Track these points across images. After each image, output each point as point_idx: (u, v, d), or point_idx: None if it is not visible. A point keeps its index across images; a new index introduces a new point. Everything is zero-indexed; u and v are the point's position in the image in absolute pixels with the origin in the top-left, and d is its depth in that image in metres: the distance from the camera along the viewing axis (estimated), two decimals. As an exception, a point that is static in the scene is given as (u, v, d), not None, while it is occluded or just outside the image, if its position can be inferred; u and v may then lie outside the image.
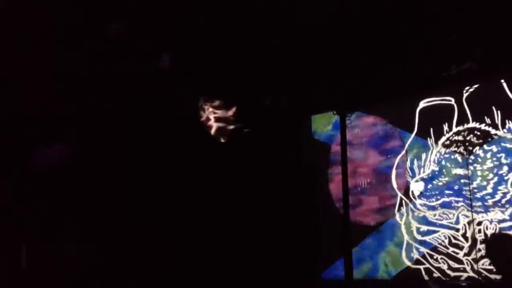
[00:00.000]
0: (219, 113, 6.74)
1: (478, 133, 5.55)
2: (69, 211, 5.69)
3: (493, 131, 5.46)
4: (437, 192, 5.75)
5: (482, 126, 5.53)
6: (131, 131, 6.15)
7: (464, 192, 5.56)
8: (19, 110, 5.45)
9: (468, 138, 5.61)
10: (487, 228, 5.36)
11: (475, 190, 5.48)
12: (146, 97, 6.17)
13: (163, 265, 6.06)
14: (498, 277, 5.22)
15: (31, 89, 5.40)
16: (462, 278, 5.44)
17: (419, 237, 5.81)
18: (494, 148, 5.42)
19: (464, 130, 5.65)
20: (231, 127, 6.73)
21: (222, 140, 6.76)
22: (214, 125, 6.72)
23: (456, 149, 5.68)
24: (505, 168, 5.32)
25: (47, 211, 5.57)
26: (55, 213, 5.61)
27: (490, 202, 5.37)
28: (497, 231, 5.28)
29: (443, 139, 5.79)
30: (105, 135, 5.94)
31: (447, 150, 5.75)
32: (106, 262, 5.79)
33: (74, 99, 5.67)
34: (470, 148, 5.58)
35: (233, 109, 6.74)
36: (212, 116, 6.75)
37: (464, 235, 5.51)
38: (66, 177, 5.74)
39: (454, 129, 5.73)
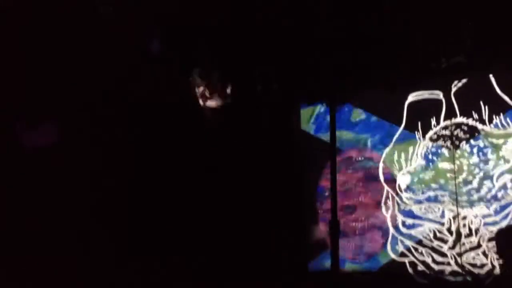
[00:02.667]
0: (219, 103, 6.68)
1: (465, 128, 5.57)
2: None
3: (480, 126, 5.47)
4: (423, 186, 5.77)
5: (470, 121, 5.55)
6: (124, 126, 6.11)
7: (450, 187, 5.58)
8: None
9: (455, 132, 5.62)
10: (471, 223, 5.39)
11: (461, 185, 5.50)
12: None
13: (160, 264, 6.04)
14: (481, 271, 5.26)
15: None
16: (446, 272, 5.48)
17: (404, 230, 5.83)
18: (481, 143, 5.44)
19: (451, 125, 5.66)
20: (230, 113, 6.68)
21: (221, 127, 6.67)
22: (215, 117, 6.66)
23: (443, 143, 5.70)
24: (491, 163, 5.35)
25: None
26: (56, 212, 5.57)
27: (475, 196, 5.40)
28: (481, 226, 5.32)
29: (430, 133, 5.81)
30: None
31: (434, 144, 5.76)
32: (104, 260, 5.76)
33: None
34: (457, 143, 5.59)
35: (230, 95, 6.68)
36: (211, 107, 6.70)
37: (449, 229, 5.55)
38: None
39: (442, 123, 5.74)
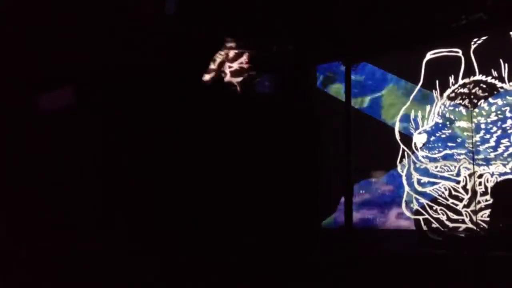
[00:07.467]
0: (235, 65, 6.64)
1: (484, 86, 5.51)
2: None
3: (499, 84, 5.42)
4: (439, 144, 5.76)
5: (488, 79, 5.49)
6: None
7: (466, 145, 5.58)
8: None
9: (473, 90, 5.58)
10: (487, 181, 5.40)
11: (478, 143, 5.49)
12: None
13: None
14: (496, 228, 5.30)
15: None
16: (461, 229, 5.53)
17: (419, 188, 5.87)
18: (499, 102, 5.40)
19: (470, 83, 5.61)
20: (246, 76, 6.65)
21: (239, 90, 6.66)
22: (232, 79, 6.62)
23: (461, 101, 5.66)
24: (509, 122, 5.32)
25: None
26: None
27: (492, 155, 5.39)
28: (497, 184, 5.33)
29: (448, 91, 5.76)
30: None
31: (452, 103, 5.72)
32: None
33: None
34: (475, 101, 5.55)
35: (245, 57, 6.63)
36: (228, 70, 6.65)
37: (464, 187, 5.57)
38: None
39: (460, 82, 5.69)
